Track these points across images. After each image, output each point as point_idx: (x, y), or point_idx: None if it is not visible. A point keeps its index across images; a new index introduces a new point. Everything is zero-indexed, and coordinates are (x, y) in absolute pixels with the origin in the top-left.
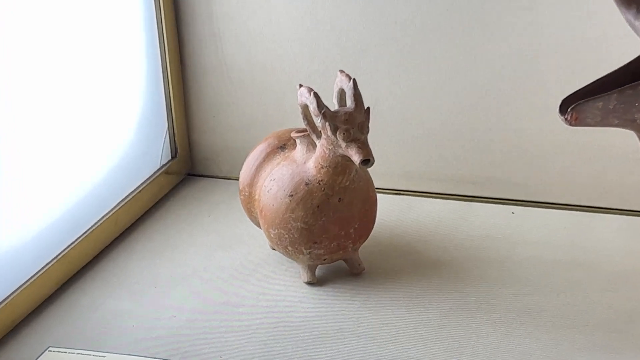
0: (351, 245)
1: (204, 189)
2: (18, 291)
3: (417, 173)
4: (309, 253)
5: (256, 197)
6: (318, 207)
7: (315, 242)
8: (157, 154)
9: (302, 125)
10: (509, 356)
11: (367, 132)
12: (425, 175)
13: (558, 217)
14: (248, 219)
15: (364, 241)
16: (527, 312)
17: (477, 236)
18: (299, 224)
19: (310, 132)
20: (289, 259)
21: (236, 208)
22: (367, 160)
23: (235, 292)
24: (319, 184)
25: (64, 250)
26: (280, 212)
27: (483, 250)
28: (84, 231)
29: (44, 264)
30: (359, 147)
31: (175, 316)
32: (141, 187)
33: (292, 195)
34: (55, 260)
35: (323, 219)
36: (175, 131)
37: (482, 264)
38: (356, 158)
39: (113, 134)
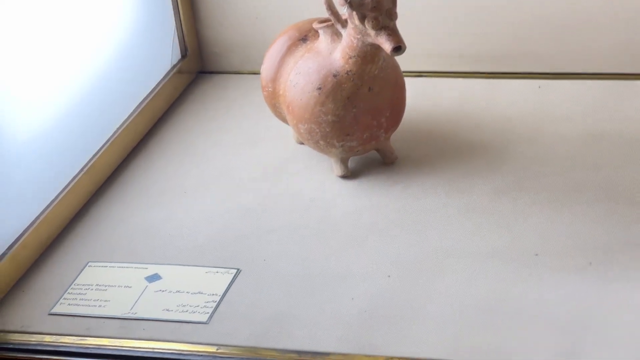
0: (383, 135)
1: (217, 85)
2: (50, 208)
3: (437, 52)
4: (342, 146)
5: (281, 92)
6: (348, 98)
7: (348, 134)
8: (167, 53)
9: (319, 15)
10: (561, 235)
11: (396, 18)
12: (446, 54)
13: (587, 88)
14: (268, 114)
15: (396, 129)
16: (570, 190)
17: (505, 114)
18: (329, 117)
19: (334, 22)
20: (319, 153)
21: (254, 103)
22: (399, 47)
23: (269, 190)
24: (348, 74)
25: (89, 162)
26: (309, 106)
27: (513, 129)
28: (105, 140)
29: (70, 178)
30: (389, 35)
31: (212, 222)
32: (155, 90)
33: (320, 88)
34: (82, 173)
35: (354, 110)
36: (184, 28)
37: (514, 143)
38: (387, 46)
39: (119, 38)
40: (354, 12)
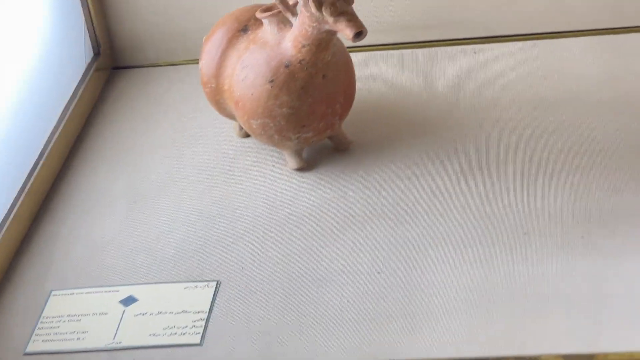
0: (338, 121)
1: (136, 81)
2: None
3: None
4: (297, 138)
5: (226, 87)
6: (303, 88)
7: (304, 126)
8: (80, 53)
9: (245, 3)
10: (545, 210)
11: (353, 2)
12: (377, 27)
13: (524, 49)
14: (200, 108)
15: (348, 114)
16: (537, 161)
17: (449, 85)
18: (284, 109)
19: (284, 10)
20: (267, 146)
21: (181, 97)
22: (360, 33)
23: (225, 192)
24: (301, 63)
25: (26, 182)
26: (261, 100)
27: (460, 100)
28: (37, 156)
29: (10, 203)
30: (349, 20)
31: (173, 232)
32: (77, 94)
33: (272, 81)
34: (22, 195)
35: (309, 99)
36: (95, 23)
37: (466, 117)
38: (348, 32)
39: (28, 42)
40: (310, 0)
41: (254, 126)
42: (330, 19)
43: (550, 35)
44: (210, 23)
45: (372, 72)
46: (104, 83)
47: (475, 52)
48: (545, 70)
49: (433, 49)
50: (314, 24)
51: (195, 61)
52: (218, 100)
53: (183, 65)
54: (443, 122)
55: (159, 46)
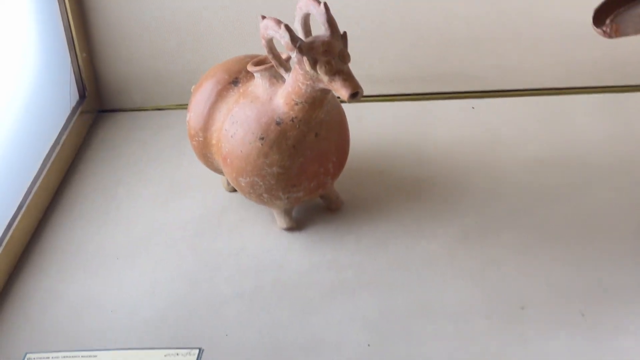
0: (330, 181)
1: (121, 125)
2: None
3: (365, 77)
4: (287, 197)
5: (214, 141)
6: (294, 147)
7: (294, 185)
8: (66, 95)
9: (232, 50)
10: (543, 283)
11: (349, 60)
12: (375, 78)
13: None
14: (187, 158)
15: (341, 172)
16: (538, 227)
17: (445, 140)
18: (274, 169)
19: (277, 66)
20: (256, 203)
21: (166, 145)
22: (356, 93)
23: (209, 250)
24: (293, 121)
25: (3, 235)
26: (251, 158)
27: (457, 157)
28: (16, 207)
29: None
30: (344, 80)
31: (155, 293)
32: (61, 139)
33: (263, 138)
34: (0, 249)
35: (300, 159)
36: (81, 66)
37: (464, 175)
38: (344, 92)
39: (12, 83)
40: (305, 57)
41: (243, 184)
42: (325, 78)
43: (552, 91)
44: (199, 68)
45: (365, 124)
46: (89, 127)
47: (473, 107)
48: (547, 128)
49: (429, 102)
50: (308, 82)
51: (183, 106)
52: (205, 154)
53: (171, 110)
54: (439, 181)
55: (146, 89)
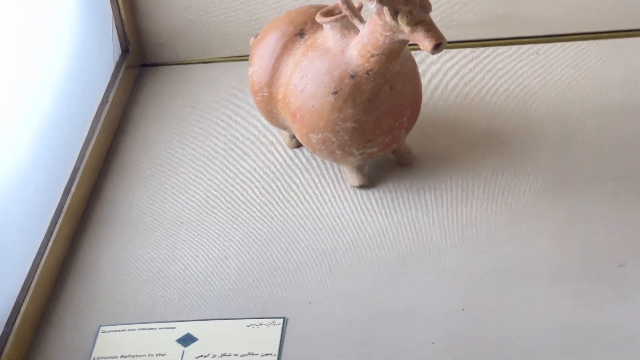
0: (404, 135)
1: (168, 80)
2: (39, 267)
3: None
4: (361, 154)
5: (280, 97)
6: (369, 100)
7: (369, 141)
8: (109, 51)
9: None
10: (638, 239)
11: (430, 10)
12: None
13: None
14: (242, 112)
15: (414, 126)
16: (627, 176)
17: (511, 88)
18: (348, 124)
19: (350, 15)
20: (322, 159)
21: (218, 100)
22: (440, 44)
23: (278, 212)
24: (368, 74)
25: (63, 201)
26: (324, 113)
27: (527, 106)
28: (71, 171)
29: (47, 225)
30: (427, 31)
31: (227, 259)
32: (108, 98)
33: (336, 93)
34: (60, 217)
35: (376, 113)
36: (123, 19)
37: (537, 125)
38: (427, 44)
39: (56, 41)
40: (386, 8)
41: (314, 141)
42: (406, 29)
43: (619, 33)
44: (247, 18)
45: (427, 75)
46: (134, 83)
47: (537, 53)
48: (617, 73)
49: (491, 48)
50: (387, 33)
51: (229, 59)
52: (270, 110)
53: (217, 63)
54: (513, 132)
55: (190, 43)
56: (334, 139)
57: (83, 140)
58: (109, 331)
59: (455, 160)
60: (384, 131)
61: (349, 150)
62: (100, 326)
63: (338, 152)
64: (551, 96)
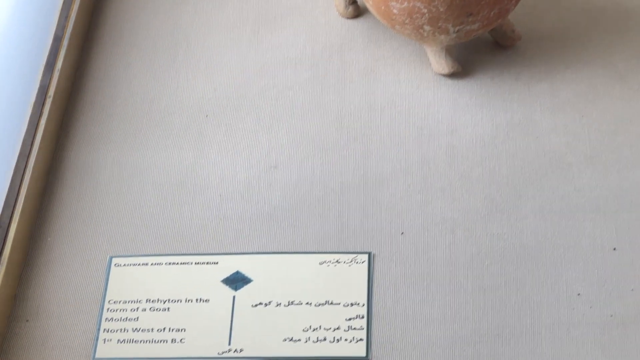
0: (513, 7)
1: None
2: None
3: None
4: (457, 31)
5: None
6: None
7: (471, 14)
8: None
9: None
10: None
11: None
12: None
13: None
14: None
15: None
16: None
17: None
18: None
19: None
20: (393, 33)
21: None
22: None
23: (337, 105)
24: None
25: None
26: None
27: None
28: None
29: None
30: None
31: (274, 167)
32: None
33: None
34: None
35: None
36: None
37: None
38: None
39: None
40: None
41: (395, 11)
42: None
43: None
44: None
45: None
46: None
47: None
48: None
49: None
50: None
51: None
52: None
53: None
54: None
55: None
56: (425, 10)
57: None
58: (123, 265)
59: (567, 42)
60: (490, 1)
61: (443, 26)
62: (111, 257)
63: (427, 27)
64: None
